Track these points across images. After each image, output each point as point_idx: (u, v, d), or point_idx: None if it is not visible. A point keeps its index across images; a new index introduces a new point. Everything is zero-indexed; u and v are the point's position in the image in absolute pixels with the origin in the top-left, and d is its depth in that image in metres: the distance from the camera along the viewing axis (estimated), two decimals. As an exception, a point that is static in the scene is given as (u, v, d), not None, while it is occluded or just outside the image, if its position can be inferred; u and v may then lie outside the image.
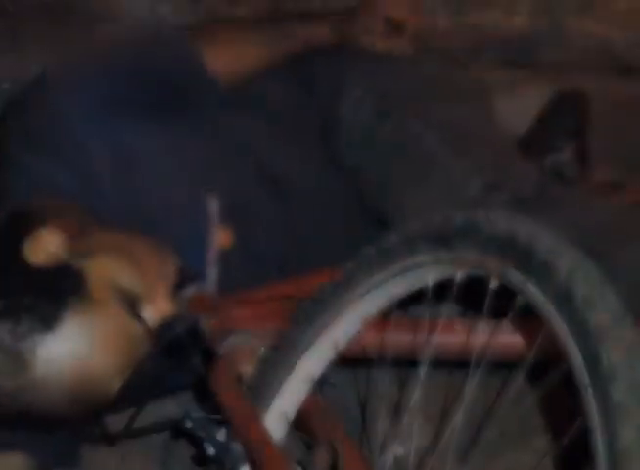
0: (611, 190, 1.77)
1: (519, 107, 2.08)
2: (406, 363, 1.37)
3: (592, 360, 0.95)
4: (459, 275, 1.14)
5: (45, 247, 1.51)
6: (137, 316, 1.50)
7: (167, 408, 1.70)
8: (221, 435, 1.30)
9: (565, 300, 0.99)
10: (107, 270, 1.50)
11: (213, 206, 1.69)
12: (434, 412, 1.46)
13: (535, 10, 2.50)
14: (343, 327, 1.31)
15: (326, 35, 1.90)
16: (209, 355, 1.47)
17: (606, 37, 2.50)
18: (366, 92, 1.79)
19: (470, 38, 2.53)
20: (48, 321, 1.45)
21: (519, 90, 2.34)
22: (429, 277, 1.18)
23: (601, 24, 2.49)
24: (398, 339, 1.37)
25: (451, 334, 1.41)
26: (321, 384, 1.35)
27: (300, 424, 1.35)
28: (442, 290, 1.17)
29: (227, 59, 1.81)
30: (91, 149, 1.64)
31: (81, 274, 1.49)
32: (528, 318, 1.06)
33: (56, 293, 1.47)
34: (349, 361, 1.38)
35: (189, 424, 1.33)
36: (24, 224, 1.55)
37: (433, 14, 2.49)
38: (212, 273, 1.69)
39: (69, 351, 1.45)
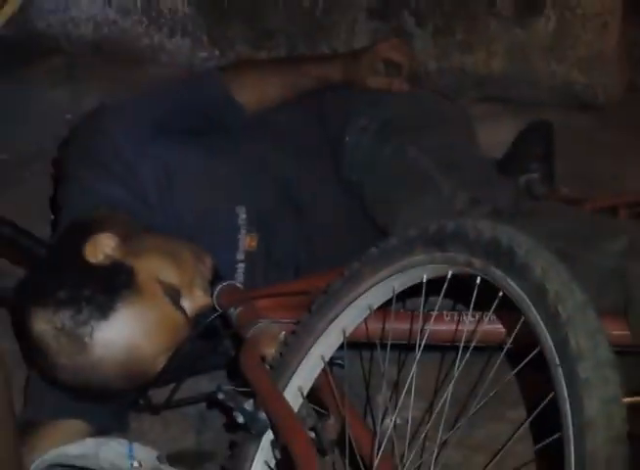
0: (573, 203, 1.76)
1: (496, 135, 2.08)
2: (404, 347, 1.37)
3: (562, 344, 0.95)
4: (450, 273, 1.14)
5: (102, 249, 1.52)
6: (178, 306, 1.50)
7: (202, 384, 1.69)
8: (249, 405, 1.29)
9: (539, 294, 0.99)
10: (153, 268, 1.51)
11: (242, 216, 1.70)
12: (428, 388, 1.46)
13: (509, 55, 2.51)
14: (351, 316, 1.30)
15: (336, 75, 1.90)
16: (238, 339, 1.47)
17: (568, 79, 2.51)
18: (369, 120, 1.79)
19: (454, 78, 2.54)
20: (104, 310, 1.45)
21: (496, 122, 2.34)
22: (424, 274, 1.18)
23: (565, 68, 2.50)
24: (397, 327, 1.37)
25: (442, 323, 1.41)
26: (331, 364, 1.35)
27: (314, 397, 1.34)
28: (436, 285, 1.17)
29: (252, 95, 1.81)
30: (137, 166, 1.64)
31: (132, 271, 1.50)
32: (508, 310, 1.06)
33: (110, 287, 1.47)
34: (355, 345, 1.39)
35: (221, 396, 1.32)
36: (85, 230, 1.56)
37: (423, 57, 2.50)
38: (240, 271, 1.69)
39: (122, 335, 1.45)
